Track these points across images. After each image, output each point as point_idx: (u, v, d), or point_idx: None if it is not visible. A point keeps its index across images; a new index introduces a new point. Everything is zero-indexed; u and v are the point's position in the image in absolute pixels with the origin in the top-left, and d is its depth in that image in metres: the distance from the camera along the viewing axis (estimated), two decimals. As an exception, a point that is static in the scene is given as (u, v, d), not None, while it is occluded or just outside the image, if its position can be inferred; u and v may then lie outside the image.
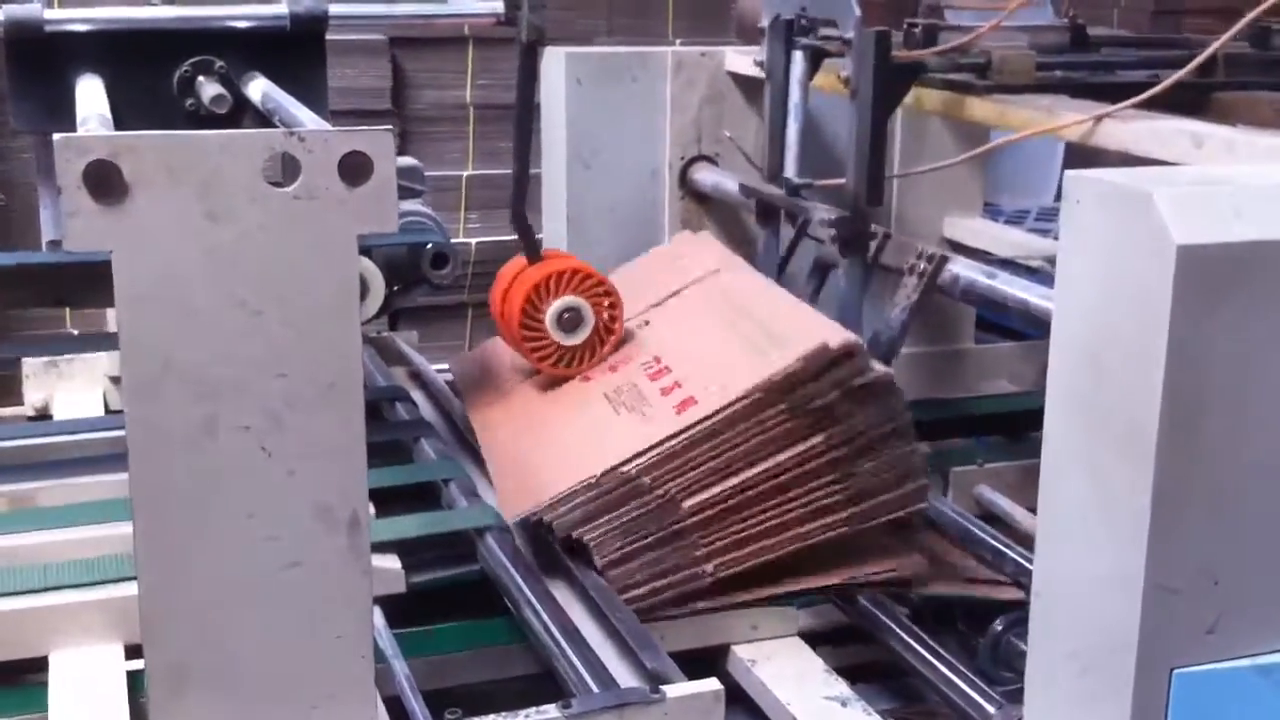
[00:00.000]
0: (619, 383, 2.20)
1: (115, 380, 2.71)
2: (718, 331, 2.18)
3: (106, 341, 2.66)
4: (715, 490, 1.94)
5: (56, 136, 1.25)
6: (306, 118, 1.58)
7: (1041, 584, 1.55)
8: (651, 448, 1.93)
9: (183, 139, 1.28)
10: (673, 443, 1.93)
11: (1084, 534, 1.47)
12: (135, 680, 1.72)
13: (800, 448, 1.95)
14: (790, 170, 2.47)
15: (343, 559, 1.40)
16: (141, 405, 1.31)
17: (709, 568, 1.93)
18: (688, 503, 1.93)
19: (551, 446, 2.16)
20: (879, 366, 1.99)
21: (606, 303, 2.32)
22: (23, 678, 1.79)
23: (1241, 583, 1.42)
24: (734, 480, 1.94)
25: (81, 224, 1.26)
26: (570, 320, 2.28)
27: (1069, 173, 1.46)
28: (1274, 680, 1.45)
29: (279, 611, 1.39)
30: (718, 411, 1.93)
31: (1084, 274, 1.44)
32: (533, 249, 2.33)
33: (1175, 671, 1.42)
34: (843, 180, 2.34)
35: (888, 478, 2.01)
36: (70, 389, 2.73)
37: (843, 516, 1.99)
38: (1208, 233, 1.33)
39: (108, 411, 2.66)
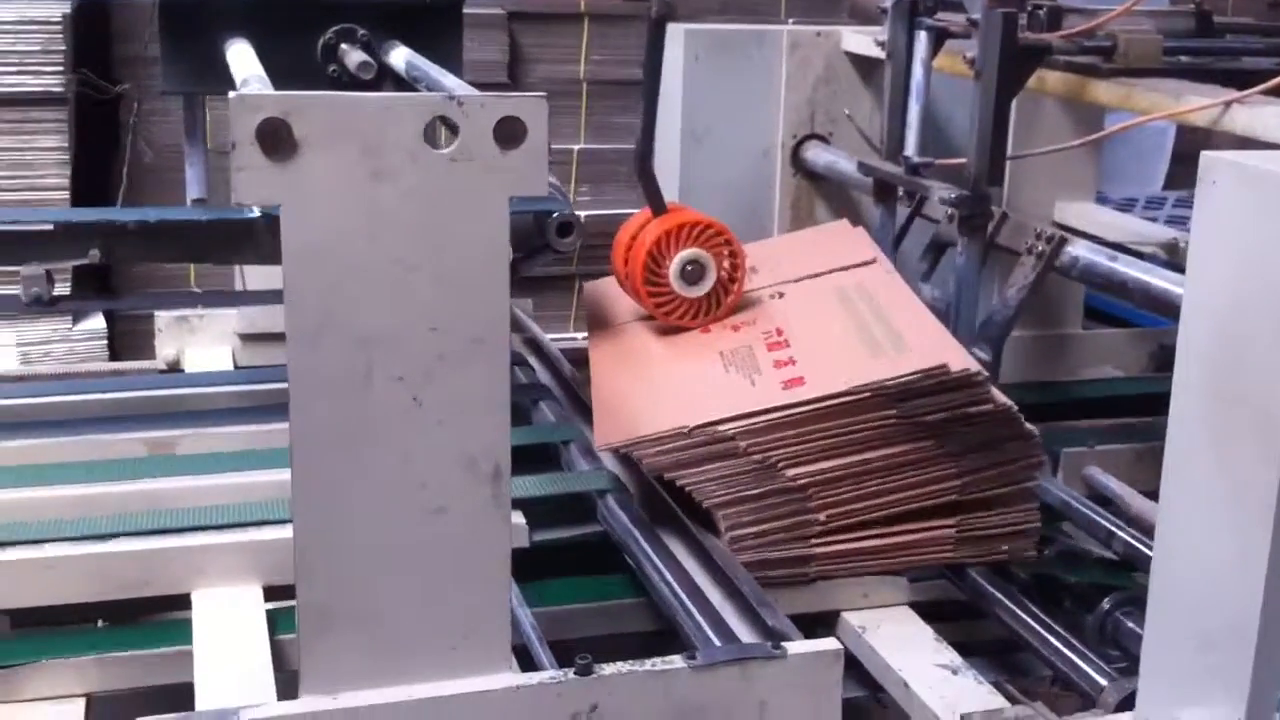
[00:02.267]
0: (736, 343, 2.24)
1: (244, 337, 2.81)
2: (846, 322, 2.20)
3: (238, 298, 2.75)
4: (822, 465, 1.98)
5: (232, 94, 1.32)
6: (454, 84, 1.64)
7: (1162, 560, 1.57)
8: (750, 414, 1.97)
9: (350, 100, 1.34)
10: (772, 416, 1.96)
11: (1208, 514, 1.49)
12: (273, 619, 1.81)
13: (908, 446, 1.99)
14: (910, 149, 2.49)
15: (486, 508, 1.46)
16: (303, 354, 1.37)
17: (821, 516, 1.98)
18: (792, 472, 1.97)
19: (654, 387, 2.20)
20: (1001, 398, 1.99)
21: (728, 258, 2.34)
22: (167, 614, 1.88)
23: (1365, 562, 1.44)
24: (841, 460, 1.98)
25: (252, 178, 1.32)
26: (693, 273, 2.31)
27: (1205, 154, 1.47)
28: (1395, 662, 1.46)
29: (424, 555, 1.45)
30: (821, 399, 1.96)
31: (1218, 254, 1.45)
32: (657, 201, 2.36)
33: (1295, 651, 1.44)
34: (962, 160, 2.36)
35: (1000, 460, 2.03)
36: (200, 344, 2.84)
37: (955, 485, 2.02)
38: (1346, 215, 1.34)
39: (236, 367, 2.76)
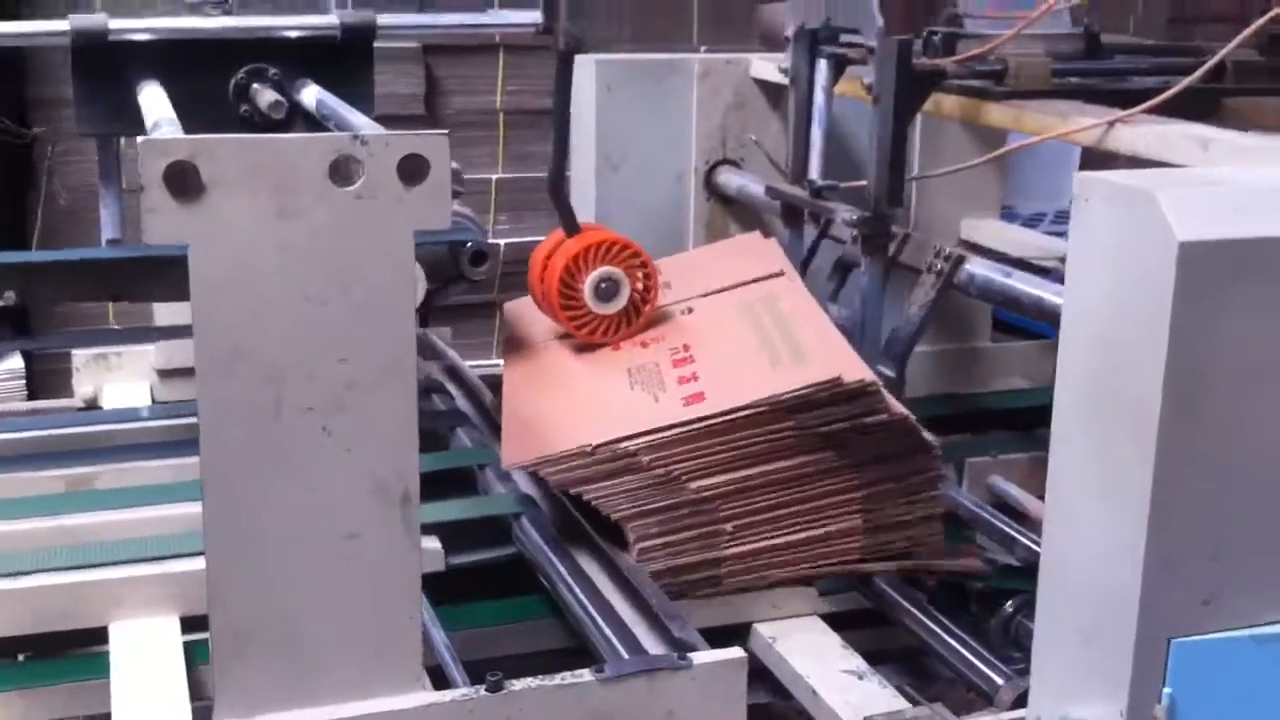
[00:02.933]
0: (644, 360, 2.30)
1: (161, 374, 2.82)
2: (749, 337, 2.27)
3: (156, 334, 2.77)
4: (724, 478, 2.04)
5: (140, 139, 1.36)
6: (362, 122, 1.69)
7: (1049, 559, 1.65)
8: (650, 431, 2.03)
9: (257, 142, 1.39)
10: (671, 432, 2.02)
11: (1089, 510, 1.56)
12: (191, 650, 1.83)
13: (810, 457, 2.05)
14: (814, 173, 2.57)
15: (395, 531, 1.50)
16: (214, 386, 1.41)
17: (728, 527, 2.04)
18: (695, 484, 2.03)
19: (562, 406, 2.25)
20: (897, 407, 2.06)
21: (641, 275, 2.41)
22: (84, 648, 1.90)
23: (1239, 556, 1.52)
24: (742, 472, 2.04)
25: (160, 220, 1.36)
26: (607, 290, 2.37)
27: (1079, 174, 1.56)
28: (1270, 651, 1.54)
29: (336, 579, 1.49)
30: (718, 415, 2.03)
31: (1093, 267, 1.54)
32: (570, 221, 2.42)
33: (1173, 641, 1.52)
34: (864, 183, 2.44)
35: (902, 472, 2.10)
36: (118, 381, 2.85)
37: (857, 496, 2.09)
38: (1208, 230, 1.43)
39: (154, 403, 2.78)
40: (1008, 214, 3.77)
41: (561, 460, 2.03)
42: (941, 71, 2.39)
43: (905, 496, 2.10)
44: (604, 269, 2.39)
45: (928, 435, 2.09)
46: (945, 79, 2.40)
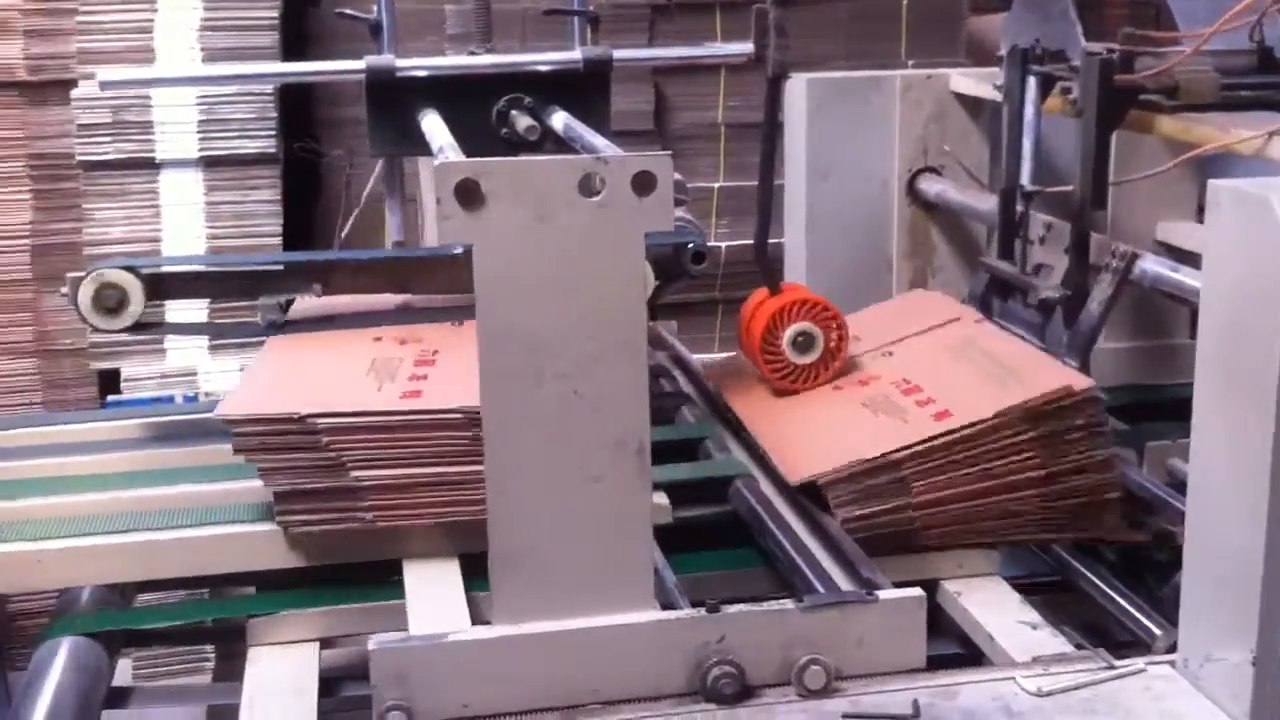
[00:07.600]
0: (872, 394, 2.57)
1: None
2: (963, 365, 2.52)
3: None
4: (953, 491, 2.28)
5: (435, 163, 1.75)
6: (602, 144, 2.05)
7: (1193, 522, 1.89)
8: (915, 444, 2.28)
9: (523, 163, 1.76)
10: (934, 441, 2.27)
11: (1223, 477, 1.80)
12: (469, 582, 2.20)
13: (1018, 459, 2.27)
14: (1025, 179, 2.82)
15: (630, 476, 1.85)
16: (492, 357, 1.79)
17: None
18: (922, 497, 2.28)
19: (819, 431, 2.53)
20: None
21: (835, 329, 2.73)
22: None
23: (1356, 514, 1.73)
24: (973, 486, 2.28)
25: (452, 225, 1.74)
26: (803, 343, 2.70)
27: (1211, 182, 1.80)
28: (1386, 597, 1.75)
29: (585, 513, 1.85)
30: (974, 424, 2.26)
31: (1223, 262, 1.78)
32: (773, 282, 2.79)
33: (1297, 586, 1.75)
34: (1070, 187, 2.68)
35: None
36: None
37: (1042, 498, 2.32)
38: (1318, 229, 1.66)
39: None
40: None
41: (842, 473, 2.26)
42: (1141, 87, 2.60)
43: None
44: (800, 324, 2.71)
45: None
46: (1144, 93, 2.60)
